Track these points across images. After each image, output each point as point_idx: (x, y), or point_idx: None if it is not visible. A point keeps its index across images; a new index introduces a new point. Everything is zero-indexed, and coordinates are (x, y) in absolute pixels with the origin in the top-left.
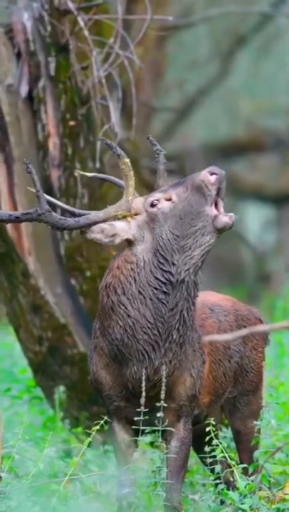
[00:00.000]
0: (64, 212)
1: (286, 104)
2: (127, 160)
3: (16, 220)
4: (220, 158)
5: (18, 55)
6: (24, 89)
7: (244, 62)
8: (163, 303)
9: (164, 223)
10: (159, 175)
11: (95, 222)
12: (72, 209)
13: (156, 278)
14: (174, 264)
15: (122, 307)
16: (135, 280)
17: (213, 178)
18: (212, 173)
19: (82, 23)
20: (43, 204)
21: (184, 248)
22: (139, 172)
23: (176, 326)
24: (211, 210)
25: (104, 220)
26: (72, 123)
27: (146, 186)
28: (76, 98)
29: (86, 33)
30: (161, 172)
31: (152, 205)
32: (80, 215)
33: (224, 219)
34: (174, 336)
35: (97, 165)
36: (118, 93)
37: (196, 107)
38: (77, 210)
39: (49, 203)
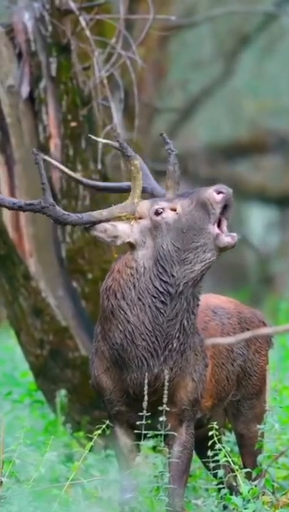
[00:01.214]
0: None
1: None
2: (137, 162)
3: (19, 209)
4: (223, 159)
5: (19, 56)
6: (25, 90)
7: (248, 62)
8: (161, 312)
9: (166, 233)
10: (168, 175)
11: (98, 221)
12: (80, 178)
13: (155, 286)
14: (172, 276)
15: (122, 312)
16: (134, 286)
17: (218, 197)
18: (219, 192)
19: (83, 23)
20: (48, 197)
21: (185, 261)
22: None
23: (177, 335)
24: (214, 229)
25: (107, 219)
26: (73, 124)
27: None
28: (78, 99)
29: (88, 33)
30: (171, 172)
31: (157, 213)
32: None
33: (226, 239)
34: (175, 345)
35: (99, 166)
36: (120, 94)
37: (199, 107)
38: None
39: (53, 195)
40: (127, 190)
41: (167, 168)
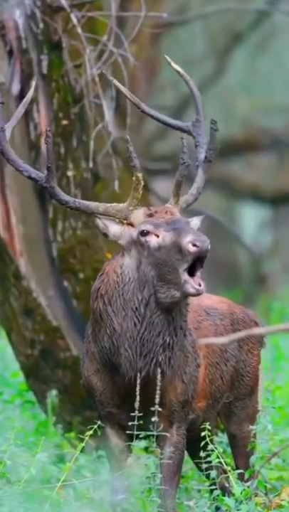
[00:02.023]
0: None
1: (283, 102)
2: (140, 174)
3: (22, 174)
4: (216, 158)
5: (10, 53)
6: (16, 88)
7: (240, 60)
8: (137, 328)
9: (147, 257)
10: (175, 184)
11: (93, 213)
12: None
13: (134, 301)
14: (145, 299)
15: (109, 317)
16: (119, 294)
17: (192, 249)
18: (194, 245)
19: (75, 20)
20: (50, 179)
21: (160, 290)
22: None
23: (161, 351)
24: (183, 275)
25: (101, 215)
26: (65, 122)
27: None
28: (69, 97)
29: (79, 30)
30: (178, 182)
31: (143, 233)
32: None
33: (190, 290)
34: (160, 359)
35: (90, 165)
36: (112, 92)
37: (192, 105)
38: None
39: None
40: (185, 131)
41: (176, 177)
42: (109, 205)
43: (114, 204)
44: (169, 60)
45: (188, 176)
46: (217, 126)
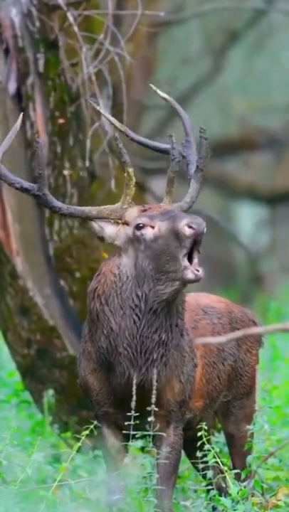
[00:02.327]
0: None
1: (280, 102)
2: (131, 170)
3: (16, 188)
4: (212, 157)
5: (6, 52)
6: (12, 86)
7: (237, 58)
8: (136, 325)
9: (144, 250)
10: (167, 181)
11: (88, 217)
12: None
13: (133, 299)
14: (145, 294)
15: (106, 317)
16: (117, 294)
17: (188, 232)
18: (190, 226)
19: (71, 19)
20: (42, 186)
21: (158, 282)
22: None
23: (156, 348)
24: (183, 261)
25: (96, 218)
26: (61, 121)
27: (137, 186)
28: (65, 95)
29: (76, 28)
30: (170, 179)
31: (138, 227)
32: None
33: (189, 275)
34: (155, 356)
35: (87, 164)
36: (108, 90)
37: (188, 104)
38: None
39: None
40: (164, 152)
41: (168, 174)
42: (102, 207)
43: (108, 205)
44: (155, 87)
45: (183, 176)
46: (206, 134)
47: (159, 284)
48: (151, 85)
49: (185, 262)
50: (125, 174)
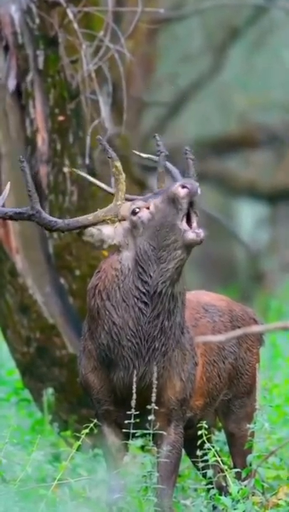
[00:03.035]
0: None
1: (280, 99)
2: (118, 164)
3: (10, 218)
4: (212, 154)
5: (6, 48)
6: (12, 83)
7: (237, 56)
8: (143, 313)
9: (142, 233)
10: (158, 177)
11: (84, 226)
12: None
13: (137, 287)
14: (150, 276)
15: (107, 313)
16: (119, 287)
17: (183, 192)
18: (183, 187)
19: (71, 16)
20: (35, 205)
21: (160, 260)
22: (129, 169)
23: (158, 336)
24: (182, 225)
25: (93, 224)
26: (61, 118)
27: (137, 183)
28: (65, 92)
29: (75, 25)
30: (160, 174)
31: (134, 212)
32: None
33: (191, 235)
34: (157, 345)
35: (87, 161)
36: (108, 87)
37: (188, 101)
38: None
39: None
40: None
41: (157, 170)
42: (97, 211)
43: (102, 209)
44: (138, 153)
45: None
46: (191, 154)
47: (161, 262)
48: (135, 151)
49: (184, 225)
50: (113, 169)
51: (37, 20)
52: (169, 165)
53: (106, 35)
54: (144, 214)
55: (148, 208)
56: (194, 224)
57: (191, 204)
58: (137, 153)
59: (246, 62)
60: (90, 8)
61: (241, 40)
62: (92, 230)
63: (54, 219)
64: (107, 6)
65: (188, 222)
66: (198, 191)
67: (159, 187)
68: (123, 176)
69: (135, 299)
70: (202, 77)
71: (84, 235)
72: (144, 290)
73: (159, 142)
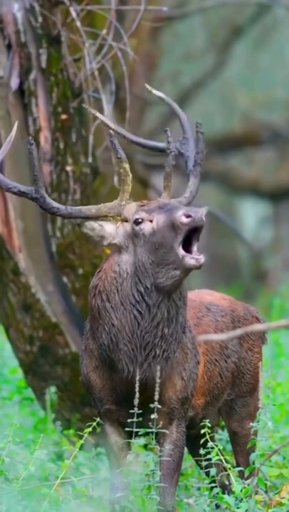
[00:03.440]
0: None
1: (284, 97)
2: (127, 165)
3: (12, 193)
4: (215, 153)
5: (9, 47)
6: (15, 82)
7: (240, 54)
8: (138, 321)
9: (143, 245)
10: (165, 176)
11: (87, 217)
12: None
13: (133, 294)
14: (147, 288)
15: (107, 314)
16: (117, 290)
17: (186, 220)
18: (188, 216)
19: (74, 14)
20: (39, 189)
21: (158, 275)
22: (132, 167)
23: (159, 344)
24: (180, 250)
25: (95, 216)
26: (64, 117)
27: (140, 182)
28: (68, 91)
29: (78, 24)
30: (167, 173)
31: (136, 222)
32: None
33: (191, 261)
34: (158, 352)
35: (90, 160)
36: (111, 86)
37: (191, 99)
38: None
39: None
40: (162, 150)
41: (165, 169)
42: (101, 205)
43: (106, 203)
44: (150, 88)
45: (181, 170)
46: (202, 128)
47: (158, 277)
48: (147, 85)
49: (181, 251)
50: (121, 170)
51: (40, 19)
52: (178, 109)
53: (109, 33)
54: (146, 227)
55: (151, 221)
56: (194, 249)
57: (194, 230)
58: (150, 88)
59: (249, 60)
60: (93, 6)
61: (244, 38)
62: (94, 224)
63: (57, 205)
64: (110, 4)
65: (189, 246)
66: (203, 220)
67: (165, 186)
68: (130, 177)
69: (132, 306)
70: (205, 75)
71: (84, 227)
72: (139, 299)
73: (170, 139)
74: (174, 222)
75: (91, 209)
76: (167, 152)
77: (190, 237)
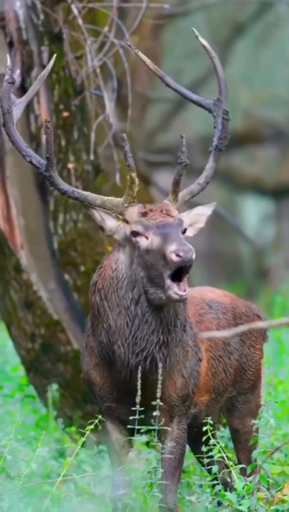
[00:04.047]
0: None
1: (285, 94)
2: (134, 174)
3: (24, 158)
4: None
5: (11, 44)
6: (16, 79)
7: (242, 51)
8: (128, 327)
9: (138, 256)
10: (172, 182)
11: (90, 205)
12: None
13: (127, 298)
14: (136, 298)
15: (105, 312)
16: (114, 290)
17: (175, 259)
18: (177, 255)
19: (75, 11)
20: (50, 168)
21: (148, 290)
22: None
23: (157, 349)
24: (167, 281)
25: (98, 207)
26: (65, 114)
27: (141, 179)
28: (70, 88)
29: (80, 21)
30: (174, 182)
31: (134, 233)
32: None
33: (173, 295)
34: (156, 357)
35: (92, 157)
36: (113, 83)
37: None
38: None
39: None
40: (205, 108)
41: (174, 176)
42: (106, 198)
43: (111, 198)
44: (197, 33)
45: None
46: (229, 116)
47: (149, 292)
48: (194, 29)
49: (168, 282)
50: (128, 178)
51: (41, 16)
52: (219, 67)
53: (111, 30)
54: (142, 242)
55: (147, 238)
56: (183, 281)
57: (183, 267)
58: (196, 32)
59: (251, 58)
60: (95, 4)
61: (246, 35)
62: (96, 214)
63: (64, 187)
64: (111, 1)
65: (179, 277)
66: (193, 259)
67: (173, 191)
68: (136, 185)
69: (125, 310)
70: (207, 73)
71: (89, 210)
72: (129, 305)
73: (184, 149)
74: (164, 255)
75: (96, 199)
76: (178, 161)
77: (180, 270)
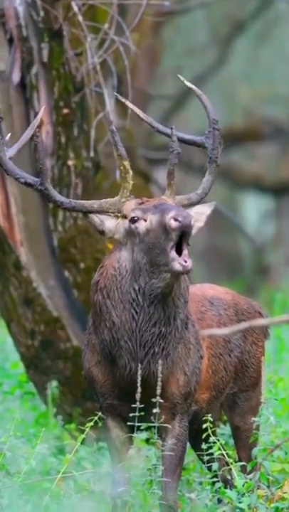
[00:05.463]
0: None
1: (285, 92)
2: (126, 162)
3: (20, 183)
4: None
5: (11, 41)
6: (16, 76)
7: (242, 48)
8: (135, 319)
9: (138, 243)
10: (167, 174)
11: (88, 211)
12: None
13: (131, 292)
14: (142, 286)
15: (108, 310)
16: (117, 287)
17: (174, 225)
18: (175, 220)
19: (76, 8)
20: (45, 180)
21: (152, 275)
22: (134, 161)
23: (158, 342)
24: (171, 253)
25: (97, 211)
26: (65, 111)
27: (141, 176)
28: (70, 85)
29: (80, 18)
30: (170, 171)
31: (132, 220)
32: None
33: (176, 266)
34: (156, 350)
35: (92, 154)
36: (113, 80)
37: (193, 94)
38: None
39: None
40: (199, 145)
41: (167, 167)
42: (102, 200)
43: (108, 199)
44: (182, 78)
45: (184, 167)
46: (219, 126)
47: (153, 277)
48: (179, 76)
49: (172, 254)
50: (120, 167)
51: (41, 13)
52: (206, 101)
53: (111, 27)
54: (141, 226)
55: (145, 220)
56: (184, 252)
57: (183, 234)
58: (181, 77)
59: (251, 55)
60: (95, 0)
61: (246, 33)
62: (95, 218)
63: (60, 198)
64: None
65: (179, 250)
66: (192, 224)
67: (168, 184)
68: (130, 174)
69: (130, 303)
70: (207, 70)
71: (87, 217)
72: (135, 297)
73: (174, 138)
74: (164, 225)
75: (93, 204)
76: (170, 150)
77: (180, 240)
